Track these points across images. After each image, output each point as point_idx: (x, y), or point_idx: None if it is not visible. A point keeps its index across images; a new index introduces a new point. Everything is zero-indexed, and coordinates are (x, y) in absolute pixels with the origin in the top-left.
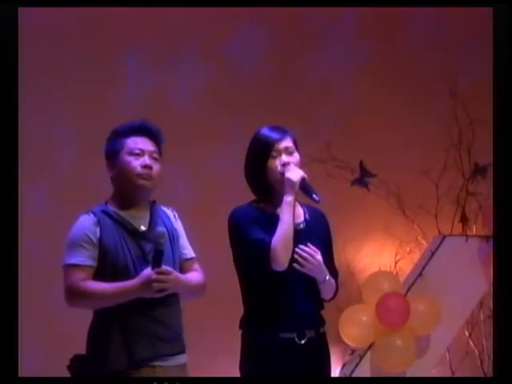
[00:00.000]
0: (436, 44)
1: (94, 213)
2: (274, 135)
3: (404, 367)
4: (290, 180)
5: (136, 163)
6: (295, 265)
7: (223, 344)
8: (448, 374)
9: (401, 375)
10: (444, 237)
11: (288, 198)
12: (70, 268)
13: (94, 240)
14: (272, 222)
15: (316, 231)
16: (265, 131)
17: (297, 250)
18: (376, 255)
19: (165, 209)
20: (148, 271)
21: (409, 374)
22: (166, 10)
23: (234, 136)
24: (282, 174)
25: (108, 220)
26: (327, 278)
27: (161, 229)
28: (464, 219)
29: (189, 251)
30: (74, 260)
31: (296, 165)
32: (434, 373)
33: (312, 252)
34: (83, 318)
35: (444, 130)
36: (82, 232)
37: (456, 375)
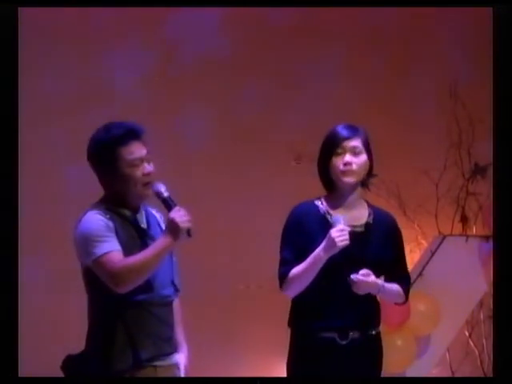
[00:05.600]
0: (436, 44)
1: (98, 209)
2: (344, 133)
3: (404, 367)
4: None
5: (138, 174)
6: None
7: (222, 344)
8: (448, 374)
9: (401, 375)
10: (444, 237)
11: (321, 253)
12: (104, 257)
13: (113, 230)
14: (323, 224)
15: (377, 236)
16: (338, 128)
17: (352, 277)
18: None
19: (153, 211)
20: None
21: (409, 374)
22: (165, 10)
23: (233, 135)
24: (343, 172)
25: (115, 216)
26: (380, 289)
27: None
28: (464, 219)
29: None
30: (105, 249)
31: (360, 166)
32: (433, 373)
33: (363, 279)
34: (83, 318)
35: (444, 130)
36: (99, 224)
37: (456, 375)
